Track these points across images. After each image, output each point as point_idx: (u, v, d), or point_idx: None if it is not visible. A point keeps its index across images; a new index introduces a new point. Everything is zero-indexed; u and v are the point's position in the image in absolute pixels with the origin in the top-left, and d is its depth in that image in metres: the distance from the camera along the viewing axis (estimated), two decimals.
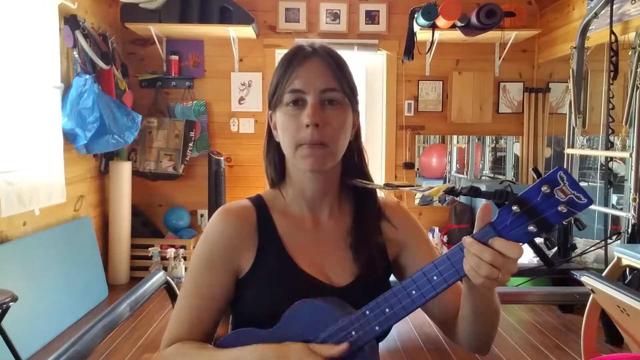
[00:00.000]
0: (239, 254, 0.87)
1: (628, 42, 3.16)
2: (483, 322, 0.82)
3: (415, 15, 3.64)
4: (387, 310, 0.76)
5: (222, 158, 3.92)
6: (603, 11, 3.06)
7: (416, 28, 3.73)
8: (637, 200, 2.69)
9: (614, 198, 3.93)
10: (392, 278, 0.95)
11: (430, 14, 3.53)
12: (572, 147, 3.39)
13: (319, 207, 0.93)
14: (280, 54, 3.98)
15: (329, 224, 0.93)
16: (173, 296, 1.97)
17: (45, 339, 2.64)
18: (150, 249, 3.75)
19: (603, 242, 3.05)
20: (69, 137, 3.14)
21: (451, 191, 0.76)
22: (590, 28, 3.23)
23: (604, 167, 3.30)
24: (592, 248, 3.08)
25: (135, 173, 3.88)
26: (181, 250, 3.77)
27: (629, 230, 2.75)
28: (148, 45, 4.05)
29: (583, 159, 4.20)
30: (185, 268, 3.69)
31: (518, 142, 4.46)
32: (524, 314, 3.19)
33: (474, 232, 0.70)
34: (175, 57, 4.05)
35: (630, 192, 2.78)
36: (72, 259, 3.10)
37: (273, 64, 4.00)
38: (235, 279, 0.88)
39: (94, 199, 3.67)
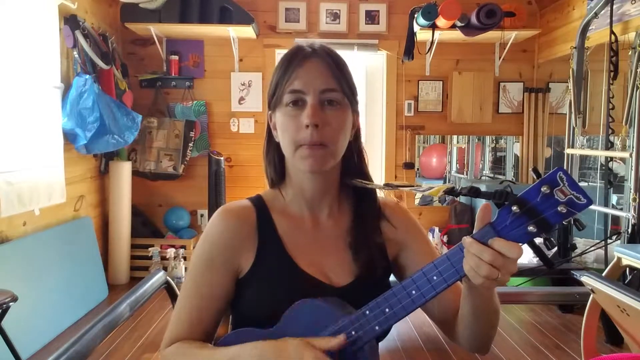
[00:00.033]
0: (239, 254, 0.87)
1: (628, 42, 3.16)
2: (483, 322, 0.82)
3: (415, 15, 3.64)
4: (387, 310, 0.76)
5: (222, 158, 3.92)
6: (603, 11, 3.06)
7: (416, 28, 3.73)
8: (637, 200, 2.69)
9: (614, 198, 3.93)
10: (391, 278, 0.95)
11: (430, 14, 3.53)
12: (572, 147, 3.39)
13: (318, 207, 0.93)
14: (280, 54, 3.98)
15: (328, 223, 0.93)
16: (173, 296, 1.97)
17: (45, 339, 2.64)
18: (150, 249, 3.75)
19: (603, 242, 3.05)
20: (69, 137, 3.14)
21: (451, 191, 0.76)
22: (590, 28, 3.23)
23: (604, 167, 3.31)
24: (592, 248, 3.08)
25: (135, 173, 3.88)
26: (181, 250, 3.77)
27: (629, 230, 2.75)
28: (148, 45, 4.05)
29: (583, 159, 4.20)
30: (185, 268, 3.69)
31: (518, 142, 4.46)
32: (524, 314, 3.19)
33: (474, 232, 0.70)
34: (175, 57, 4.05)
35: (630, 192, 2.78)
36: (72, 259, 3.10)
37: (273, 64, 4.00)
38: (235, 278, 0.88)
39: (94, 199, 3.68)
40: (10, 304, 1.89)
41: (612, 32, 2.95)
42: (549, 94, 4.28)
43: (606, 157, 3.12)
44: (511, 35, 3.90)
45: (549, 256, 0.73)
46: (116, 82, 3.60)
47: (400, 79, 4.21)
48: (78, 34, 3.15)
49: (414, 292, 0.74)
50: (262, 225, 0.90)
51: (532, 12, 4.17)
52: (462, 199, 4.37)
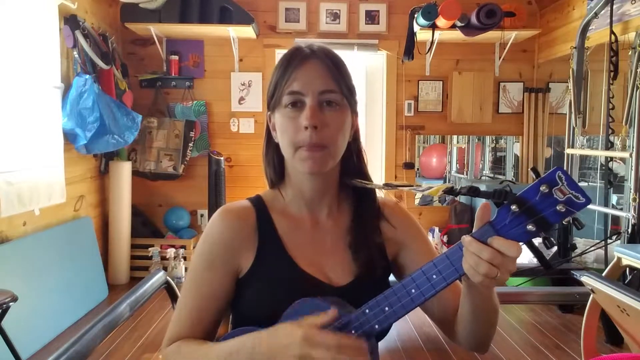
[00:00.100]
0: (239, 254, 0.88)
1: (628, 42, 3.16)
2: (482, 321, 0.82)
3: (415, 15, 3.65)
4: (386, 308, 0.76)
5: (222, 158, 3.92)
6: (603, 11, 3.06)
7: (416, 28, 3.73)
8: (637, 200, 2.69)
9: (614, 198, 3.93)
10: (391, 278, 0.95)
11: (430, 14, 3.53)
12: (572, 147, 3.39)
13: (318, 207, 0.93)
14: (280, 54, 3.97)
15: (328, 223, 0.93)
16: (173, 296, 1.97)
17: (45, 339, 2.64)
18: (150, 249, 3.75)
19: (603, 242, 3.05)
20: (69, 137, 3.14)
21: (450, 191, 0.77)
22: (590, 28, 3.23)
23: (604, 167, 3.31)
24: (592, 248, 3.08)
25: (135, 173, 3.89)
26: (181, 250, 3.77)
27: (629, 230, 2.75)
28: (148, 45, 4.05)
29: (583, 159, 4.20)
30: (185, 268, 3.69)
31: (518, 142, 4.46)
32: (524, 314, 3.19)
33: (473, 231, 0.71)
34: (175, 57, 4.05)
35: (630, 192, 2.78)
36: (72, 259, 3.10)
37: (273, 64, 4.00)
38: (235, 278, 0.88)
39: (94, 199, 3.68)
40: (10, 304, 1.89)
41: (612, 32, 2.95)
42: (549, 94, 4.28)
43: (606, 157, 3.12)
44: (511, 35, 3.90)
45: (549, 256, 0.73)
46: (116, 82, 3.60)
47: (400, 79, 4.21)
48: (78, 34, 3.15)
49: (413, 290, 0.74)
50: (262, 225, 0.90)
51: (532, 12, 4.17)
52: (462, 198, 4.37)
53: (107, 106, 3.22)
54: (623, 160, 3.65)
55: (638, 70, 2.99)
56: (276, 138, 0.90)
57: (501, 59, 4.16)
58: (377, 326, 0.76)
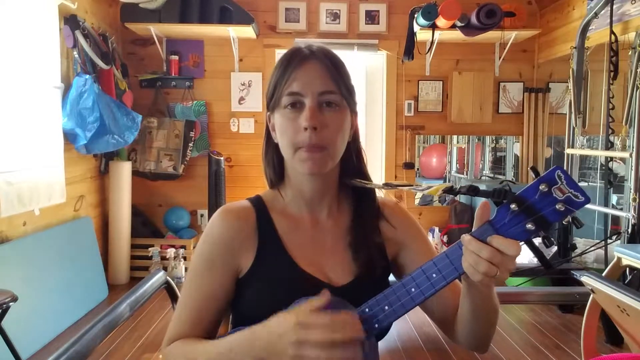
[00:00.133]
0: (239, 254, 0.88)
1: (628, 42, 3.16)
2: (482, 321, 0.82)
3: (415, 15, 3.65)
4: (386, 307, 0.76)
5: (222, 158, 3.92)
6: (603, 11, 3.06)
7: (416, 28, 3.73)
8: (637, 200, 2.69)
9: (614, 198, 3.93)
10: (391, 277, 0.95)
11: (430, 14, 3.53)
12: (572, 147, 3.39)
13: (318, 207, 0.93)
14: (280, 54, 3.96)
15: (328, 223, 0.93)
16: (173, 296, 1.97)
17: (45, 339, 2.64)
18: (150, 249, 3.75)
19: (603, 242, 3.04)
20: (69, 137, 3.14)
21: (450, 190, 0.77)
22: (590, 28, 3.23)
23: (604, 167, 3.31)
24: (592, 248, 3.08)
25: (135, 173, 3.89)
26: (181, 250, 3.77)
27: (629, 230, 2.75)
28: (148, 45, 4.05)
29: (583, 159, 4.20)
30: (186, 268, 3.69)
31: (518, 142, 4.46)
32: (524, 314, 3.19)
33: (473, 230, 0.71)
34: (175, 57, 4.05)
35: (630, 192, 2.78)
36: (72, 259, 3.10)
37: (273, 64, 3.99)
38: (235, 278, 0.88)
39: (94, 199, 3.68)
40: (10, 304, 1.89)
41: (612, 32, 2.95)
42: (549, 94, 4.28)
43: (606, 157, 3.12)
44: (511, 35, 3.90)
45: (549, 255, 0.73)
46: (116, 82, 3.60)
47: (400, 79, 4.21)
48: (78, 34, 3.15)
49: (413, 289, 0.74)
50: (262, 225, 0.90)
51: (532, 12, 4.18)
52: (462, 198, 4.37)
53: (107, 106, 3.22)
54: (623, 160, 3.65)
55: (638, 70, 2.99)
56: (276, 138, 0.90)
57: (501, 59, 4.16)
58: (376, 325, 0.77)
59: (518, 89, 4.28)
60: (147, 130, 3.92)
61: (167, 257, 3.68)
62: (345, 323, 0.69)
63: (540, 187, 0.65)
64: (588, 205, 0.66)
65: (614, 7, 2.98)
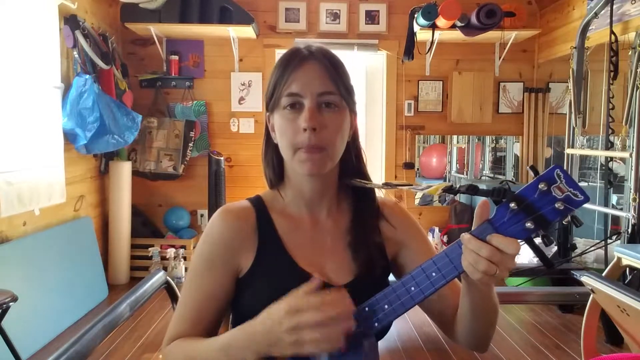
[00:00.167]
0: (239, 254, 0.88)
1: (628, 42, 3.16)
2: (482, 320, 0.82)
3: (415, 15, 3.65)
4: (386, 306, 0.76)
5: (222, 158, 3.92)
6: (603, 11, 3.06)
7: (416, 28, 3.73)
8: (637, 200, 2.69)
9: (614, 198, 3.92)
10: (391, 277, 0.95)
11: (430, 14, 3.53)
12: (572, 147, 3.39)
13: (317, 207, 0.93)
14: (280, 54, 3.96)
15: (327, 223, 0.93)
16: (173, 296, 1.97)
17: (45, 339, 2.64)
18: (150, 249, 3.75)
19: (603, 242, 3.04)
20: (69, 137, 3.14)
21: (449, 189, 0.77)
22: (590, 28, 3.23)
23: (604, 167, 3.31)
24: (592, 248, 3.08)
25: (135, 173, 3.89)
26: (181, 250, 3.77)
27: (629, 230, 2.75)
28: (148, 45, 4.05)
29: (583, 159, 4.20)
30: (186, 268, 3.69)
31: (518, 142, 4.46)
32: (524, 314, 3.19)
33: (472, 228, 0.71)
34: (175, 57, 4.05)
35: (630, 192, 2.78)
36: (72, 259, 3.10)
37: (273, 64, 3.96)
38: (235, 278, 0.88)
39: (94, 199, 3.68)
40: (10, 304, 1.89)
41: (612, 32, 2.95)
42: (549, 94, 4.28)
43: (606, 157, 3.12)
44: (511, 35, 3.90)
45: (550, 255, 0.73)
46: (116, 82, 3.60)
47: (400, 79, 4.21)
48: (78, 34, 3.15)
49: (413, 288, 0.74)
50: (262, 225, 0.90)
51: (532, 12, 4.18)
52: (461, 198, 4.37)
53: (107, 106, 3.22)
54: (623, 160, 3.65)
55: (638, 70, 2.99)
56: (275, 139, 0.90)
57: (501, 59, 4.16)
58: (376, 324, 0.77)
59: (518, 89, 4.28)
60: (147, 130, 3.92)
61: (167, 257, 3.68)
62: (334, 300, 0.70)
63: (539, 186, 0.65)
64: (588, 205, 0.66)
65: (614, 7, 2.98)
